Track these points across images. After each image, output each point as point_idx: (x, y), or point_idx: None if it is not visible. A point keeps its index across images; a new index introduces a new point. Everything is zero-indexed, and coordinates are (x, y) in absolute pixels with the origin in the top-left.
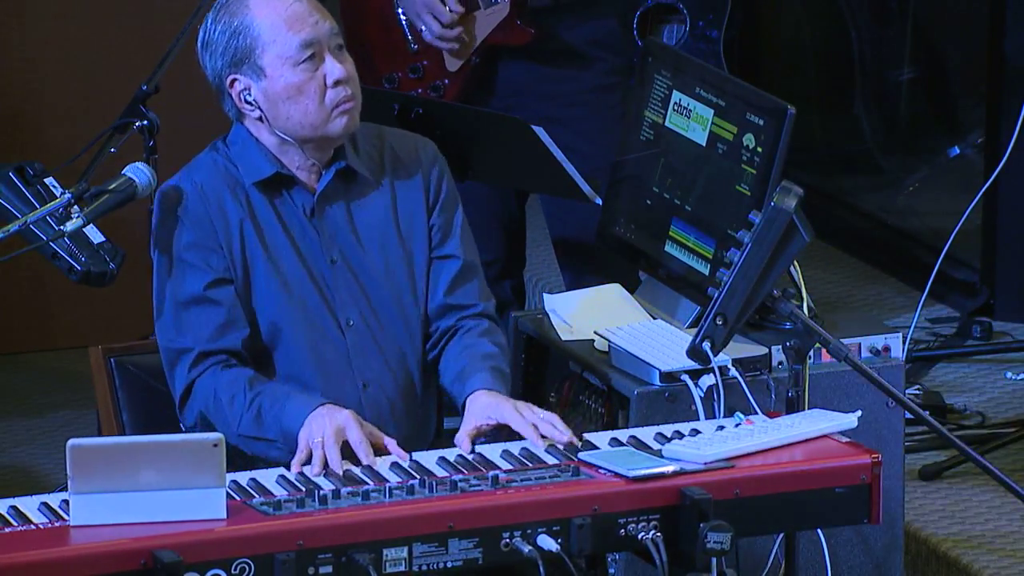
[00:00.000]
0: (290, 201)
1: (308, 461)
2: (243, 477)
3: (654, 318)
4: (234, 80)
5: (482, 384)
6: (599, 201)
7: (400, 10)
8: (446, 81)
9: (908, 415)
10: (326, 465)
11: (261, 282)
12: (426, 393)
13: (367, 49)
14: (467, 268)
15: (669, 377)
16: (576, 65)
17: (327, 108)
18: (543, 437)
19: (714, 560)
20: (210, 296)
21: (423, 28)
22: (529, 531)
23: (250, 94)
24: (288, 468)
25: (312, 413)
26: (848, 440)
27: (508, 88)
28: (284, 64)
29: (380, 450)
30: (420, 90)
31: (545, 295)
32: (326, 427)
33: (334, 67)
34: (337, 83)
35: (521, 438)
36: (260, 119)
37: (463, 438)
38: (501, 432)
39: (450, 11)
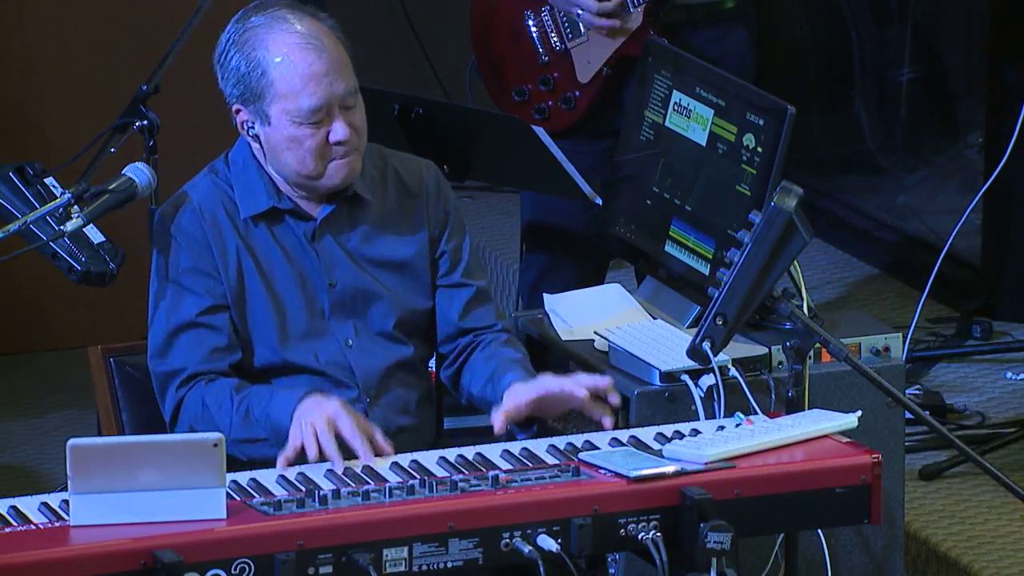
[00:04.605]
0: (289, 226)
1: (297, 456)
2: (243, 477)
3: (654, 318)
4: (239, 110)
5: (516, 379)
6: (599, 201)
7: (530, 22)
8: (577, 93)
9: (908, 415)
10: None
11: (258, 306)
12: (427, 405)
13: (497, 62)
14: (480, 293)
15: (669, 377)
16: None
17: (323, 163)
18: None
19: (714, 560)
20: (204, 322)
21: (578, 12)
22: (529, 531)
23: (253, 128)
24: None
25: (299, 405)
26: (848, 440)
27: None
28: (290, 120)
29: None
30: (551, 102)
31: (545, 295)
32: (317, 418)
33: (338, 128)
34: (339, 143)
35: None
36: (261, 150)
37: (498, 416)
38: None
39: None
